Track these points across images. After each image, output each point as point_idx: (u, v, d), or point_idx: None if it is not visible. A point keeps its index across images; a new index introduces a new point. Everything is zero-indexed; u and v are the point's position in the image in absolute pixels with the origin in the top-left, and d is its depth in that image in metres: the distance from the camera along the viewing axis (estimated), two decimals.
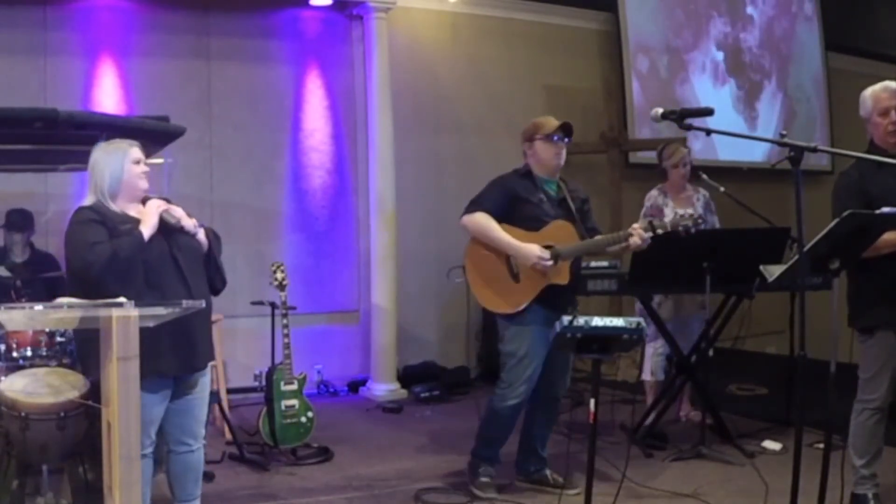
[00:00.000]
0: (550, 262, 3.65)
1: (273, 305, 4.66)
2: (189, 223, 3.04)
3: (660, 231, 3.64)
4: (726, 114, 8.00)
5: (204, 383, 3.14)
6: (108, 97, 5.77)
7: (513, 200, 3.78)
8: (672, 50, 7.84)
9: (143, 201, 3.04)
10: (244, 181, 6.20)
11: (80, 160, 4.85)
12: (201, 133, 6.00)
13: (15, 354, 3.85)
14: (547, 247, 3.68)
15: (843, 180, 3.35)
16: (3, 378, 3.52)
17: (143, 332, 2.53)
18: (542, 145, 3.81)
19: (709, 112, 2.91)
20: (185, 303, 2.40)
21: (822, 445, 3.28)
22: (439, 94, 6.90)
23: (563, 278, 3.72)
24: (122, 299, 2.43)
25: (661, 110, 2.79)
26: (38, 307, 2.41)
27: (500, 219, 3.75)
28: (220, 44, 6.16)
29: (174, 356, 2.94)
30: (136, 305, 2.43)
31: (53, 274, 4.89)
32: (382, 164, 6.28)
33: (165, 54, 5.96)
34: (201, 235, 3.09)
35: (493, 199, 3.79)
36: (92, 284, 2.80)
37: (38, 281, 4.73)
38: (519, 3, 7.25)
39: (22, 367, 3.71)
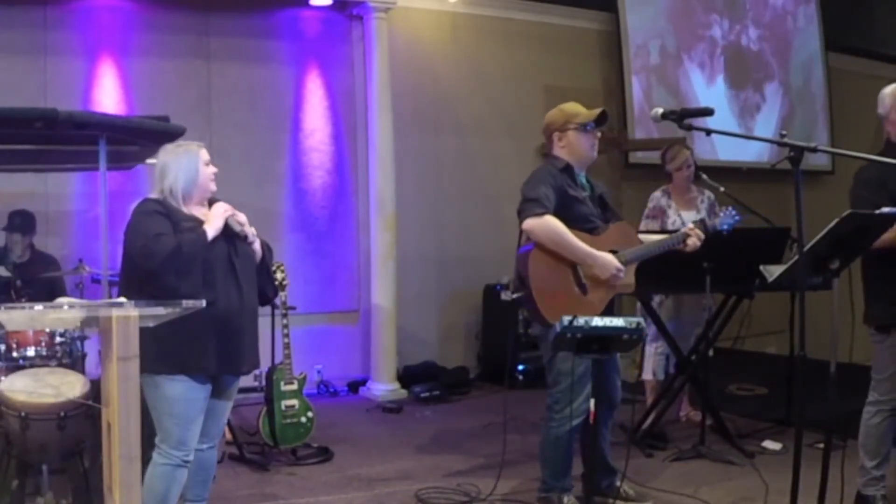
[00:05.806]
0: (623, 274, 3.36)
1: (273, 305, 4.66)
2: (250, 231, 3.10)
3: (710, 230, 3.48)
4: (726, 114, 8.00)
5: (235, 390, 3.17)
6: (108, 97, 5.77)
7: (563, 198, 3.40)
8: (672, 50, 7.84)
9: (210, 203, 3.10)
10: (244, 181, 6.18)
11: (79, 160, 4.88)
12: (201, 133, 5.96)
13: (15, 354, 3.85)
14: (611, 252, 3.40)
15: (864, 174, 3.30)
16: (3, 378, 3.52)
17: (190, 327, 2.68)
18: (578, 135, 3.47)
19: (709, 112, 2.91)
20: (184, 302, 2.39)
21: (822, 445, 3.28)
22: (439, 94, 6.90)
23: (629, 287, 3.44)
24: (122, 299, 2.43)
25: (661, 110, 2.79)
26: (38, 307, 2.40)
27: None
28: (220, 44, 6.16)
29: (218, 356, 2.94)
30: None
31: (53, 274, 4.90)
32: (382, 165, 6.28)
33: (165, 54, 5.96)
34: (257, 245, 3.15)
35: (550, 198, 3.36)
36: (150, 275, 2.83)
37: (39, 281, 4.74)
38: (519, 3, 7.25)
39: (22, 367, 3.71)
